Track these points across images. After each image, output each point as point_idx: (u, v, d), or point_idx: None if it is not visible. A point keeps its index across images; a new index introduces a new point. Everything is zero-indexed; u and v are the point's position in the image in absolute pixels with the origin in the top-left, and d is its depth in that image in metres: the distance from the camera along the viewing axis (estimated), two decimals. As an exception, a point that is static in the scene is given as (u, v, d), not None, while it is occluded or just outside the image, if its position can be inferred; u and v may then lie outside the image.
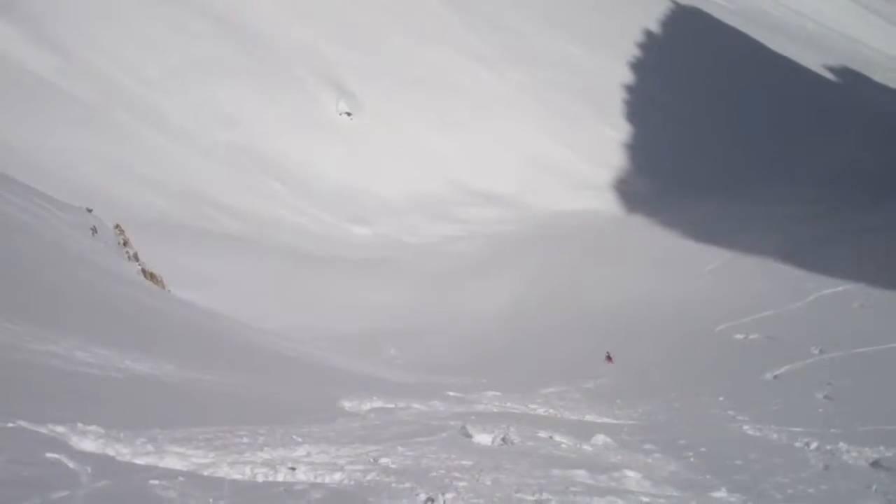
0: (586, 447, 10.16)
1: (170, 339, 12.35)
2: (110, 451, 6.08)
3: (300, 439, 7.79)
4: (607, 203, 45.44)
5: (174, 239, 27.10)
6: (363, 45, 48.91)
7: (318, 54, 46.55)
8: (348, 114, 44.60)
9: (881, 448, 11.94)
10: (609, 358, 23.43)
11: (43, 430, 5.88)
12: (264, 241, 32.00)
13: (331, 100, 44.73)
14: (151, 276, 19.44)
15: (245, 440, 7.31)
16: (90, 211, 20.13)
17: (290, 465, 6.87)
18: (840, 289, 28.77)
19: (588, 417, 13.76)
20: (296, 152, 40.29)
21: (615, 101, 55.70)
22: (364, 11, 51.00)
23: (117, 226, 21.04)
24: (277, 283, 28.09)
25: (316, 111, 43.69)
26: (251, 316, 20.98)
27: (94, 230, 18.79)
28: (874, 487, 9.52)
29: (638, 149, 51.23)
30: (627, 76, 58.67)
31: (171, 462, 6.26)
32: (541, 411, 13.76)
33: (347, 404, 10.80)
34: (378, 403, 11.24)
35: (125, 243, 20.47)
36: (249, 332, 16.53)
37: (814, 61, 68.60)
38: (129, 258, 19.79)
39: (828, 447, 11.92)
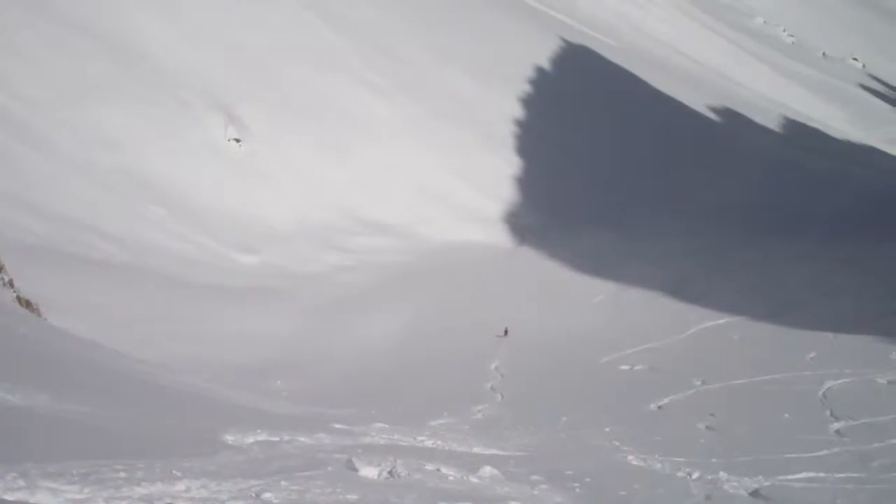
0: (473, 479, 10.14)
1: (45, 369, 11.86)
2: (-24, 488, 5.79)
3: (179, 473, 7.55)
4: (497, 235, 45.87)
5: (52, 265, 26.15)
6: (253, 71, 48.42)
7: (206, 79, 45.84)
8: (237, 140, 43.99)
9: (760, 478, 12.30)
10: (506, 332, 26.67)
11: None
12: (147, 268, 31.15)
13: (219, 125, 44.02)
14: (27, 304, 18.77)
15: (122, 475, 7.05)
16: (-38, 235, 19.32)
17: (168, 500, 6.65)
18: (721, 321, 29.64)
19: (476, 449, 13.77)
20: (182, 178, 39.46)
21: (506, 134, 56.39)
22: (254, 37, 50.52)
23: (-9, 251, 20.23)
24: (159, 312, 27.34)
25: (203, 136, 42.93)
26: (131, 346, 20.31)
27: (-34, 255, 18.06)
28: (753, 517, 9.76)
29: (527, 182, 51.95)
30: (518, 110, 59.52)
31: (44, 498, 5.99)
32: (428, 443, 13.71)
33: (230, 437, 10.53)
34: (262, 436, 11.00)
35: (-1, 269, 19.71)
36: (129, 363, 16.03)
37: (697, 101, 70.89)
38: (3, 284, 19.07)
39: (709, 477, 12.21)
